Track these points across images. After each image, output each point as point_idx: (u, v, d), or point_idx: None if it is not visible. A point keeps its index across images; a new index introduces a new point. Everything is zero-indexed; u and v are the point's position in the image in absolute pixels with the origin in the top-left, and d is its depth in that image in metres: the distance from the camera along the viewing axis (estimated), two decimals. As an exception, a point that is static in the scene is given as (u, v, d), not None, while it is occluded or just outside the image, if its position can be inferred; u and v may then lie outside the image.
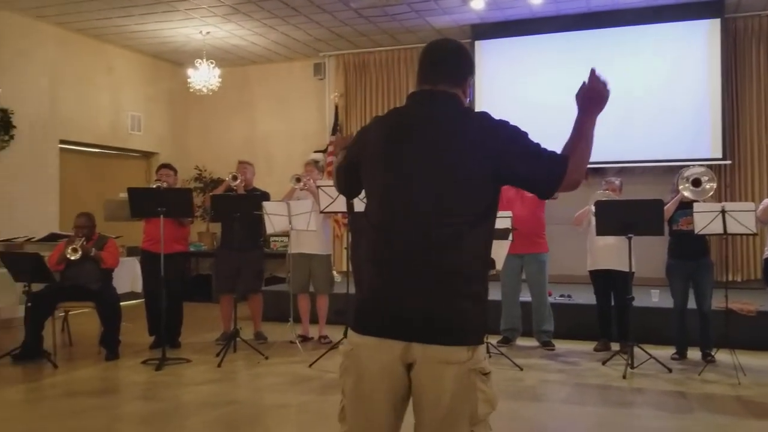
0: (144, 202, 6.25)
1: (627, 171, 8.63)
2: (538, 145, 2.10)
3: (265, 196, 7.00)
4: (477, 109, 2.22)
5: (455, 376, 1.99)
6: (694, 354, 6.20)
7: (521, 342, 6.93)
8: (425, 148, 2.11)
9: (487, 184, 2.08)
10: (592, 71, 2.15)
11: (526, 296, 6.90)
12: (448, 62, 2.22)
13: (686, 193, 5.98)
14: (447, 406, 2.01)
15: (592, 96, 2.13)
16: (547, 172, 2.08)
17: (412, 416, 2.11)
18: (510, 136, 2.10)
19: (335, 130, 10.33)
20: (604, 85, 2.13)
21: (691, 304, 6.12)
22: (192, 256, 9.88)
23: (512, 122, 2.14)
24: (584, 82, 2.15)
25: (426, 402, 2.04)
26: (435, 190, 2.06)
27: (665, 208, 5.95)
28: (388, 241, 2.11)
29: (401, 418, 2.14)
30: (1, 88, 8.08)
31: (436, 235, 2.04)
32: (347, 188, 2.45)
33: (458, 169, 2.07)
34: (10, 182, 8.25)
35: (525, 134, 2.12)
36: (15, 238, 7.32)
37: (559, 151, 2.11)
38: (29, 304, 6.15)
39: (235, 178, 6.96)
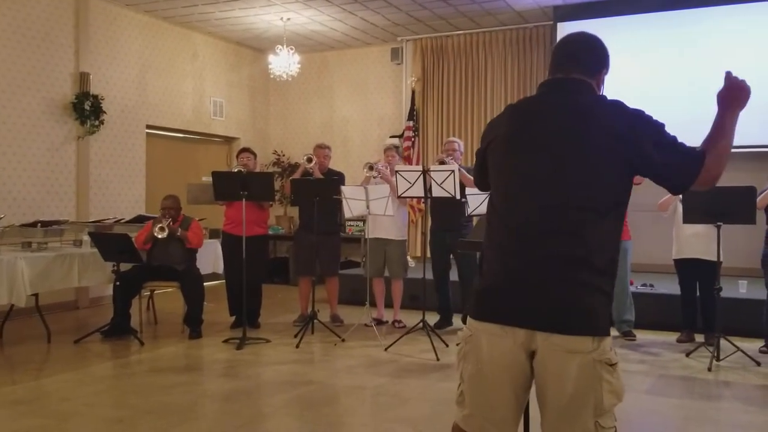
0: (227, 186, 6.39)
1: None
2: (675, 137, 2.04)
3: (341, 178, 7.06)
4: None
5: (579, 366, 1.96)
6: (785, 348, 5.95)
7: (601, 331, 6.77)
8: (555, 133, 2.07)
9: (619, 172, 2.02)
10: (728, 74, 2.10)
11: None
12: (583, 52, 2.20)
13: (784, 180, 5.71)
14: (570, 396, 1.97)
15: (733, 93, 2.07)
16: (684, 166, 2.04)
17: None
18: (647, 125, 2.05)
19: (411, 115, 10.32)
20: (743, 82, 2.08)
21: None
22: (270, 239, 10.07)
23: (646, 113, 2.09)
24: (726, 82, 2.09)
25: (549, 391, 2.02)
26: (563, 177, 2.02)
27: (762, 196, 5.69)
28: (513, 229, 2.08)
29: (523, 406, 2.13)
30: (93, 75, 8.40)
31: (563, 224, 2.00)
32: (480, 179, 2.41)
33: (590, 154, 2.02)
34: (100, 166, 8.58)
35: (662, 125, 2.06)
36: (105, 220, 7.61)
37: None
38: (117, 283, 6.41)
39: (309, 160, 7.03)
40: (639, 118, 2.05)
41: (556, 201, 2.02)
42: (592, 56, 2.20)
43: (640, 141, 2.00)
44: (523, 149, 2.12)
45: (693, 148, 2.05)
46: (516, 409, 2.10)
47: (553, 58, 2.24)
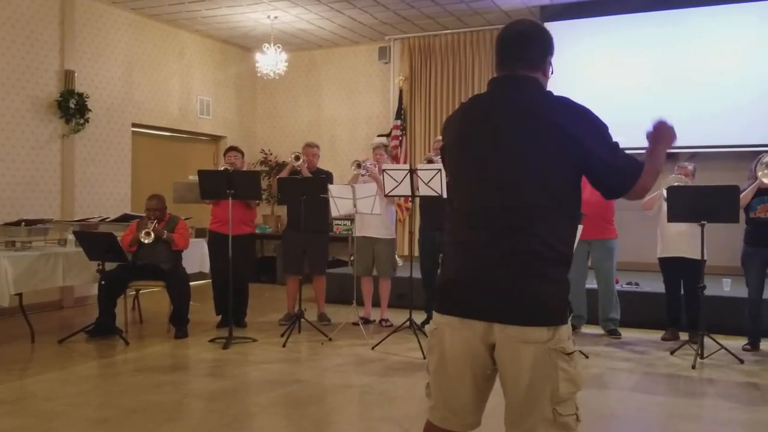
0: (213, 184, 6.36)
1: (701, 156, 8.34)
2: (617, 142, 2.12)
3: (329, 177, 7.05)
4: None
5: (536, 356, 2.02)
6: (766, 345, 6.01)
7: (586, 330, 6.82)
8: (506, 132, 2.13)
9: (568, 168, 2.09)
10: (660, 122, 2.22)
11: (592, 283, 6.77)
12: (524, 45, 2.22)
13: (765, 180, 5.76)
14: (528, 385, 2.04)
15: (659, 138, 2.21)
16: (624, 172, 2.11)
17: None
18: (594, 125, 2.11)
19: (399, 114, 10.33)
20: (670, 129, 2.22)
21: (766, 293, 5.92)
22: (257, 238, 10.04)
23: (593, 112, 2.14)
24: (653, 127, 2.22)
25: (508, 381, 2.09)
26: (515, 173, 2.09)
27: (742, 195, 5.74)
28: (469, 223, 2.16)
29: (485, 397, 2.20)
30: (78, 72, 8.34)
31: (517, 220, 2.06)
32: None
33: (540, 152, 2.07)
34: (85, 164, 8.53)
35: (606, 127, 2.13)
36: (90, 219, 7.56)
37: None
38: (102, 283, 6.37)
39: (297, 158, 7.03)
40: (586, 116, 2.12)
41: (510, 198, 2.09)
42: (533, 49, 2.22)
43: (588, 140, 2.07)
44: (476, 149, 2.19)
45: (634, 160, 2.13)
46: (477, 399, 2.18)
47: (496, 53, 2.26)
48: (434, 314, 2.22)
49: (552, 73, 2.27)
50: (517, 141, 2.10)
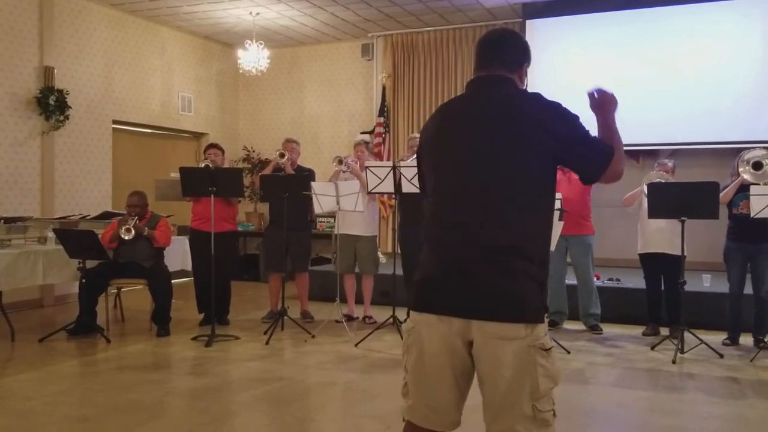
0: (195, 182, 6.32)
1: (681, 153, 8.42)
2: (588, 130, 2.16)
3: (311, 175, 7.04)
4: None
5: (514, 352, 2.02)
6: (745, 340, 6.07)
7: (568, 326, 6.86)
8: (481, 128, 2.15)
9: (543, 161, 2.10)
10: (599, 91, 2.28)
11: (572, 279, 6.81)
12: (503, 49, 2.28)
13: (746, 176, 5.83)
14: (508, 382, 2.04)
15: (606, 104, 2.27)
16: (598, 158, 2.15)
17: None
18: (565, 116, 2.14)
19: (382, 111, 10.32)
20: (611, 94, 2.28)
21: (747, 289, 5.99)
22: (240, 236, 10.00)
23: (563, 105, 2.17)
24: (592, 95, 2.28)
25: (488, 378, 2.08)
26: (491, 169, 2.10)
27: (725, 191, 5.81)
28: (445, 220, 2.16)
29: (464, 395, 2.19)
30: (57, 69, 8.26)
31: (492, 214, 2.07)
32: (421, 186, 2.44)
33: (515, 146, 2.09)
34: (65, 162, 8.45)
35: (577, 117, 2.16)
36: (70, 216, 7.50)
37: None
38: (83, 281, 6.31)
39: (282, 155, 7.00)
40: (558, 109, 2.15)
41: (485, 192, 2.10)
42: (512, 52, 2.28)
43: (562, 129, 2.11)
44: (452, 144, 2.21)
45: (604, 143, 2.19)
46: (457, 397, 2.17)
47: (476, 56, 2.32)
48: (411, 313, 2.22)
49: (527, 83, 2.34)
50: (493, 136, 2.12)
